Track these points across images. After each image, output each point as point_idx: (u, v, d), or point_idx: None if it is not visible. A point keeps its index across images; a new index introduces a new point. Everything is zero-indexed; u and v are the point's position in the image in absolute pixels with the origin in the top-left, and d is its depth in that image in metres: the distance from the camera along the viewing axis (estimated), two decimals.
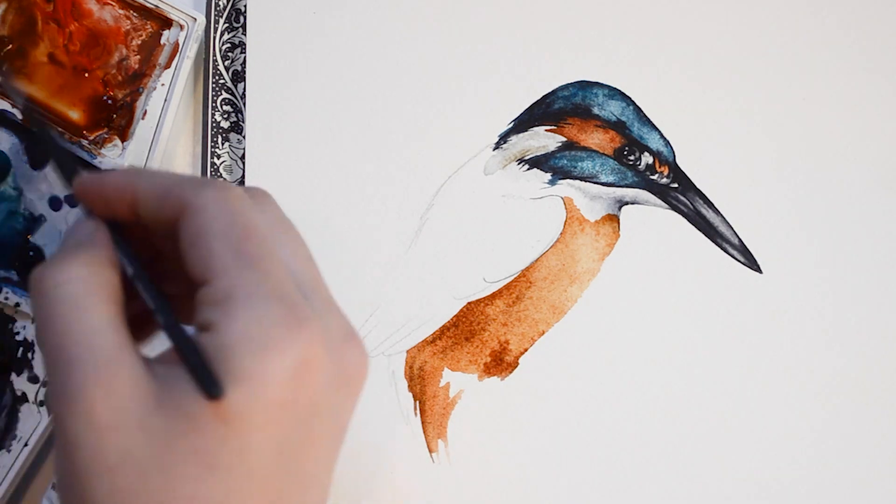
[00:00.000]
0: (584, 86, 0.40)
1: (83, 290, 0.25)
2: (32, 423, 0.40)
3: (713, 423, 0.38)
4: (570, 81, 0.40)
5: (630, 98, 0.40)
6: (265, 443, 0.24)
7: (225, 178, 0.42)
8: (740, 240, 0.39)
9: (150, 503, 0.24)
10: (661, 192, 0.39)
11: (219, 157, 0.42)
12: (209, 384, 0.23)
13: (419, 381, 0.39)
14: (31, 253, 0.40)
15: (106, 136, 0.41)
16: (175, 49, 0.40)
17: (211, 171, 0.41)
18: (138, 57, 0.41)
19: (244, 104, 0.42)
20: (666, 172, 0.39)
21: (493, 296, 0.39)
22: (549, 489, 0.39)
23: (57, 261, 0.26)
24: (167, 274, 0.28)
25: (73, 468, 0.24)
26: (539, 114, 0.40)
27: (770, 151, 0.40)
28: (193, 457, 0.24)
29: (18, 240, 0.40)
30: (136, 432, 0.24)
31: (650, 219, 0.39)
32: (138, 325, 0.26)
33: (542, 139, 0.40)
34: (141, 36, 0.41)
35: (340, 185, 0.40)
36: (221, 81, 0.42)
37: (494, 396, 0.39)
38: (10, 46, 0.40)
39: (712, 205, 0.39)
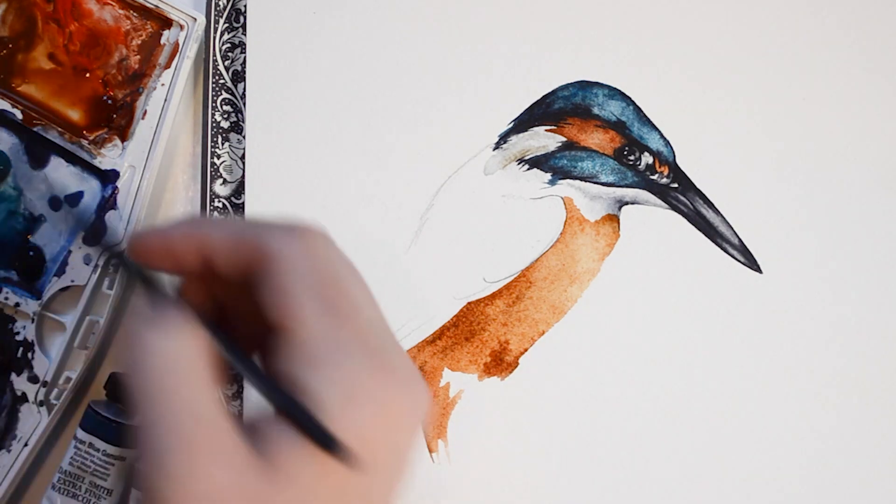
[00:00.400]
0: (584, 86, 0.40)
1: (185, 363, 0.25)
2: (32, 423, 0.40)
3: (713, 422, 0.38)
4: (570, 81, 0.40)
5: (630, 98, 0.40)
6: (374, 489, 0.25)
7: (225, 178, 0.42)
8: (740, 240, 0.39)
9: None
10: (661, 192, 0.39)
11: (219, 157, 0.42)
12: (329, 443, 0.23)
13: None
14: (30, 253, 0.40)
15: (106, 136, 0.41)
16: (175, 49, 0.40)
17: (211, 171, 0.41)
18: (138, 57, 0.41)
19: (244, 104, 0.42)
20: (666, 172, 0.39)
21: (493, 296, 0.39)
22: (549, 489, 0.39)
23: (154, 326, 0.25)
24: (236, 316, 0.28)
25: None
26: (539, 114, 0.40)
27: (770, 151, 0.40)
28: None
29: (18, 240, 0.40)
30: (239, 500, 0.24)
31: (650, 219, 0.39)
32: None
33: (542, 139, 0.40)
34: (141, 36, 0.41)
35: (340, 185, 0.40)
36: (221, 81, 0.42)
37: (494, 396, 0.39)
38: (11, 46, 0.40)
39: (712, 205, 0.39)
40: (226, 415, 0.25)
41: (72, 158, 0.40)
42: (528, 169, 0.40)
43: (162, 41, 0.41)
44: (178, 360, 0.25)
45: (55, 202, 0.41)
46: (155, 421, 0.24)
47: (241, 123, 0.42)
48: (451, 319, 0.39)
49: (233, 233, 0.26)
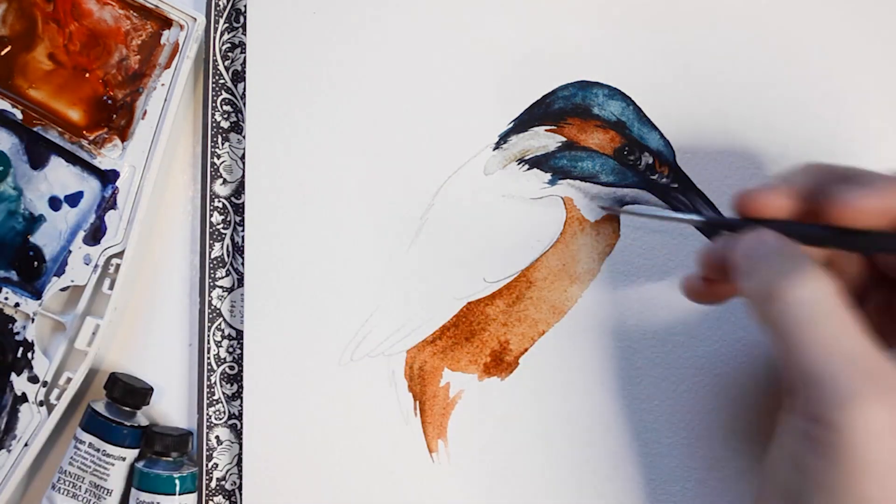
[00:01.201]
0: (584, 86, 0.40)
1: (827, 300, 0.27)
2: (32, 423, 0.40)
3: (713, 422, 0.38)
4: (570, 81, 0.40)
5: (630, 98, 0.40)
6: None
7: (225, 178, 0.42)
8: None
9: None
10: (661, 192, 0.39)
11: (219, 157, 0.42)
12: None
13: (419, 381, 0.39)
14: (30, 253, 0.40)
15: (106, 136, 0.41)
16: (175, 49, 0.40)
17: (211, 171, 0.42)
18: (138, 57, 0.41)
19: (244, 104, 0.42)
20: (666, 172, 0.39)
21: (493, 296, 0.39)
22: (549, 489, 0.39)
23: (786, 273, 0.28)
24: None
25: (844, 468, 0.26)
26: (539, 114, 0.40)
27: (770, 151, 0.40)
28: None
29: (18, 240, 0.40)
30: None
31: (650, 219, 0.39)
32: None
33: (542, 139, 0.40)
34: (141, 36, 0.41)
35: (340, 185, 0.40)
36: (221, 81, 0.42)
37: (494, 396, 0.39)
38: (11, 46, 0.40)
39: (712, 205, 0.39)
40: (879, 349, 0.27)
41: (72, 158, 0.40)
42: (528, 169, 0.40)
43: (162, 41, 0.41)
44: (836, 298, 0.27)
45: (55, 202, 0.41)
46: (822, 353, 0.27)
47: (241, 123, 0.42)
48: (451, 319, 0.39)
49: None
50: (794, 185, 0.31)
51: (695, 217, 0.35)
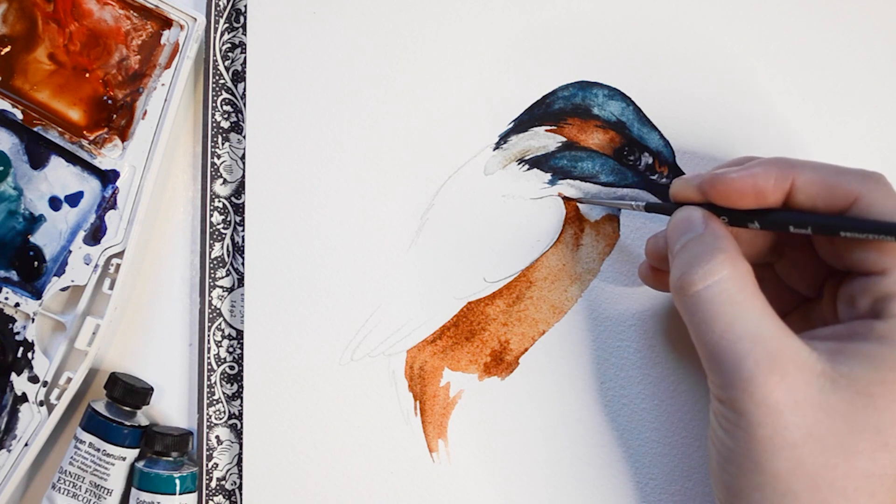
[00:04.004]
0: (584, 86, 0.40)
1: (733, 287, 0.29)
2: (32, 423, 0.40)
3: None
4: (570, 81, 0.40)
5: (630, 98, 0.40)
6: None
7: (225, 178, 0.42)
8: None
9: (829, 478, 0.27)
10: (662, 192, 0.39)
11: (219, 157, 0.42)
12: None
13: (419, 381, 0.39)
14: (30, 253, 0.40)
15: (106, 136, 0.41)
16: (175, 49, 0.40)
17: (211, 171, 0.42)
18: (138, 57, 0.41)
19: (244, 104, 0.42)
20: (666, 172, 0.39)
21: (494, 296, 0.39)
22: (549, 489, 0.39)
23: (697, 265, 0.29)
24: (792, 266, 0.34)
25: (751, 446, 0.27)
26: (539, 114, 0.40)
27: (770, 152, 0.40)
28: (870, 434, 0.26)
29: (18, 240, 0.40)
30: (815, 411, 0.27)
31: (650, 219, 0.39)
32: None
33: (542, 139, 0.40)
34: (141, 36, 0.41)
35: (340, 185, 0.40)
36: (221, 81, 0.42)
37: (494, 396, 0.39)
38: (11, 46, 0.40)
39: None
40: (785, 331, 0.28)
41: (72, 158, 0.40)
42: (528, 169, 0.40)
43: (162, 41, 0.41)
44: (743, 284, 0.29)
45: (55, 202, 0.41)
46: (725, 337, 0.28)
47: (241, 123, 0.42)
48: (452, 319, 0.40)
49: (821, 175, 0.30)
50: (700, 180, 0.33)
51: (638, 204, 0.36)
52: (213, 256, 0.41)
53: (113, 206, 0.40)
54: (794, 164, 0.30)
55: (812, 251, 0.33)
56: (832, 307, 0.32)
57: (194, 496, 0.40)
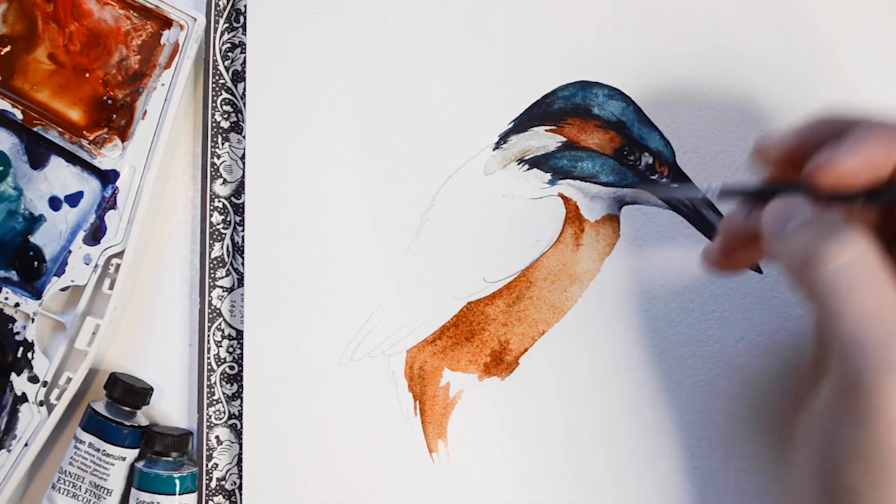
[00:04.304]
0: (584, 86, 0.40)
1: (876, 263, 0.27)
2: (32, 423, 0.40)
3: (714, 423, 0.38)
4: (570, 81, 0.40)
5: (630, 98, 0.40)
6: None
7: (225, 178, 0.42)
8: None
9: None
10: (661, 192, 0.39)
11: (219, 157, 0.42)
12: None
13: (419, 381, 0.39)
14: (30, 253, 0.40)
15: (106, 136, 0.41)
16: (175, 49, 0.40)
17: (211, 171, 0.42)
18: (138, 57, 0.41)
19: (244, 104, 0.42)
20: (666, 172, 0.39)
21: (493, 296, 0.39)
22: (549, 489, 0.39)
23: (828, 240, 0.27)
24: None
25: (881, 436, 0.25)
26: (539, 114, 0.40)
27: None
28: None
29: (18, 240, 0.40)
30: None
31: (650, 219, 0.39)
32: None
33: (542, 139, 0.40)
34: (141, 36, 0.41)
35: (340, 185, 0.40)
36: (221, 81, 0.42)
37: (494, 396, 0.39)
38: (11, 46, 0.40)
39: (712, 205, 0.39)
40: None
41: (72, 158, 0.40)
42: (528, 169, 0.40)
43: (162, 41, 0.41)
44: (881, 261, 0.27)
45: (55, 202, 0.41)
46: (876, 315, 0.26)
47: (241, 123, 0.42)
48: (451, 319, 0.40)
49: None
50: (792, 143, 0.31)
51: (714, 189, 0.34)
52: (213, 256, 0.41)
53: (113, 206, 0.40)
54: None
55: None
56: None
57: (194, 496, 0.40)
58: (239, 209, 0.42)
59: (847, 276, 0.27)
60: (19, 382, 0.40)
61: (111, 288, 0.40)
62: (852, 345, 0.26)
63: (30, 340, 0.40)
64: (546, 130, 0.40)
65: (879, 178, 0.28)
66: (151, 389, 0.41)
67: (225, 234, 0.41)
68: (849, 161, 0.28)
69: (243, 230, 0.41)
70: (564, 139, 0.40)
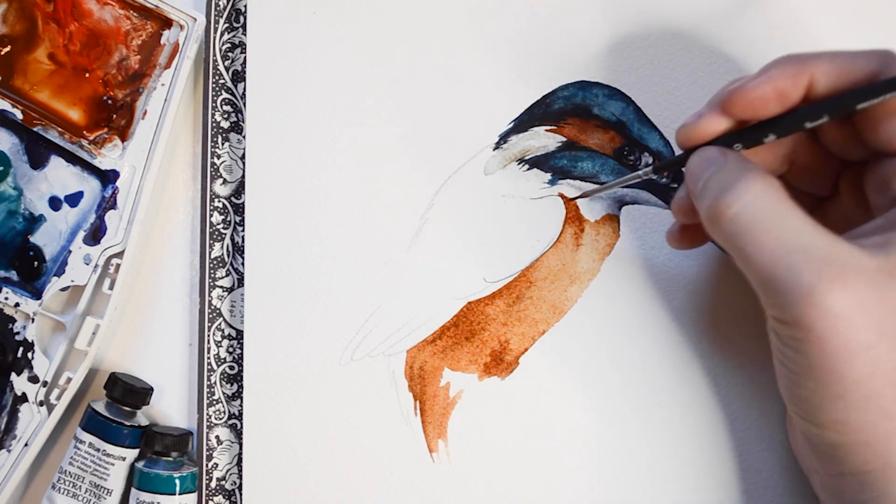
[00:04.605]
0: (584, 86, 0.40)
1: (772, 201, 0.28)
2: (32, 423, 0.40)
3: (714, 423, 0.38)
4: (570, 81, 0.40)
5: (630, 98, 0.40)
6: None
7: (225, 178, 0.42)
8: None
9: None
10: (662, 192, 0.39)
11: (219, 157, 0.42)
12: None
13: (419, 381, 0.39)
14: (30, 253, 0.40)
15: (106, 136, 0.41)
16: (175, 49, 0.40)
17: (211, 171, 0.42)
18: (138, 57, 0.41)
19: (244, 104, 0.42)
20: (665, 172, 0.39)
21: (494, 296, 0.39)
22: (550, 489, 0.39)
23: (726, 190, 0.28)
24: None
25: (826, 358, 0.26)
26: (539, 114, 0.40)
27: None
28: None
29: (18, 240, 0.40)
30: (881, 307, 0.26)
31: (650, 219, 0.39)
32: None
33: (542, 139, 0.40)
34: (141, 36, 0.41)
35: (340, 185, 0.40)
36: (221, 81, 0.42)
37: (494, 396, 0.39)
38: (11, 46, 0.40)
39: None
40: (832, 235, 0.27)
41: (72, 158, 0.40)
42: (528, 169, 0.40)
43: (162, 41, 0.41)
44: (779, 197, 0.28)
45: (55, 202, 0.41)
46: (777, 253, 0.27)
47: (241, 123, 0.42)
48: (451, 319, 0.40)
49: (837, 62, 0.29)
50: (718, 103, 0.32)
51: (647, 170, 0.36)
52: (213, 256, 0.41)
53: (113, 206, 0.40)
54: (809, 58, 0.29)
55: (822, 149, 0.33)
56: (854, 201, 0.32)
57: (194, 496, 0.40)
58: (239, 209, 0.42)
59: (746, 220, 0.28)
60: (19, 382, 0.40)
61: (111, 288, 0.40)
62: (766, 285, 0.28)
63: (30, 340, 0.40)
64: (546, 130, 0.40)
65: (788, 106, 0.30)
66: (151, 389, 0.41)
67: (225, 234, 0.42)
68: (757, 89, 0.30)
69: (243, 230, 0.41)
70: (564, 139, 0.40)
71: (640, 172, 0.36)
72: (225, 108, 0.42)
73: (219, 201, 0.42)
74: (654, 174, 0.36)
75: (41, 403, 0.40)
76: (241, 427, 0.40)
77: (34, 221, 0.41)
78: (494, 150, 0.40)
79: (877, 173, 0.30)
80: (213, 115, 0.42)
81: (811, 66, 0.29)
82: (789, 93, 0.29)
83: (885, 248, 0.27)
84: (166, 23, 0.41)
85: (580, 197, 0.39)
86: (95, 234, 0.40)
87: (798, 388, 0.29)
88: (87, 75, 0.41)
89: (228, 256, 0.41)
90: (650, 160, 0.39)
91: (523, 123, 0.40)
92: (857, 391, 0.27)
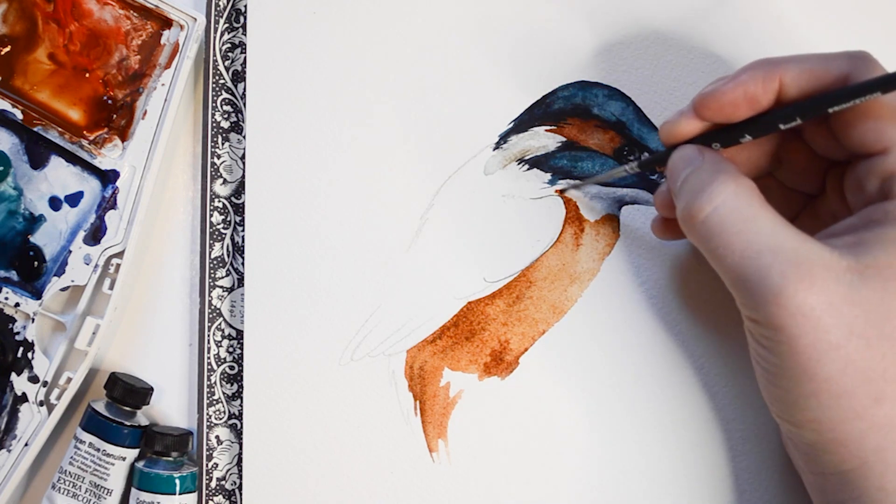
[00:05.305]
0: (584, 86, 0.40)
1: (741, 203, 0.28)
2: (32, 423, 0.40)
3: (714, 423, 0.38)
4: (570, 81, 0.40)
5: (630, 98, 0.40)
6: None
7: (225, 178, 0.42)
8: None
9: (880, 368, 0.27)
10: None
11: (219, 157, 0.42)
12: None
13: (419, 381, 0.39)
14: (30, 253, 0.40)
15: (106, 136, 0.41)
16: (175, 49, 0.40)
17: (211, 171, 0.42)
18: (138, 57, 0.41)
19: (244, 104, 0.42)
20: (661, 170, 0.39)
21: (494, 295, 0.39)
22: (549, 489, 0.39)
23: (699, 192, 0.29)
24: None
25: (797, 358, 0.27)
26: (539, 114, 0.40)
27: None
28: None
29: (18, 240, 0.40)
30: (851, 307, 0.26)
31: (650, 219, 0.39)
32: None
33: (542, 139, 0.40)
34: (141, 36, 0.41)
35: (340, 185, 0.40)
36: (221, 81, 0.42)
37: (494, 396, 0.39)
38: (11, 46, 0.40)
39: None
40: (802, 235, 0.27)
41: (72, 158, 0.40)
42: (528, 169, 0.40)
43: (162, 41, 0.41)
44: (750, 198, 0.28)
45: (55, 202, 0.41)
46: (746, 255, 0.27)
47: (241, 123, 0.42)
48: (451, 319, 0.40)
49: (807, 66, 0.29)
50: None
51: (632, 164, 0.36)
52: (213, 256, 0.41)
53: (113, 206, 0.40)
54: (779, 62, 0.30)
55: (808, 148, 0.33)
56: (839, 199, 0.32)
57: (194, 496, 0.40)
58: (239, 209, 0.42)
59: (716, 223, 0.28)
60: (19, 382, 0.40)
61: (111, 288, 0.40)
62: (737, 286, 0.28)
63: (30, 340, 0.40)
64: (546, 130, 0.40)
65: (758, 110, 0.30)
66: (151, 389, 0.41)
67: (225, 234, 0.42)
68: (727, 94, 0.30)
69: (243, 230, 0.41)
70: (564, 139, 0.40)
71: (626, 167, 0.36)
72: (225, 108, 0.42)
73: (219, 201, 0.42)
74: (640, 169, 0.36)
75: (41, 403, 0.40)
76: (241, 427, 0.40)
77: (34, 221, 0.41)
78: (494, 150, 0.40)
79: (853, 173, 0.31)
80: (213, 115, 0.42)
81: (781, 70, 0.30)
82: (759, 97, 0.30)
83: (855, 248, 0.27)
84: (166, 23, 0.41)
85: (569, 189, 0.39)
86: (95, 234, 0.40)
87: (773, 387, 0.29)
88: (87, 75, 0.41)
89: (228, 256, 0.41)
90: None
91: (523, 123, 0.40)
92: (828, 389, 0.27)
